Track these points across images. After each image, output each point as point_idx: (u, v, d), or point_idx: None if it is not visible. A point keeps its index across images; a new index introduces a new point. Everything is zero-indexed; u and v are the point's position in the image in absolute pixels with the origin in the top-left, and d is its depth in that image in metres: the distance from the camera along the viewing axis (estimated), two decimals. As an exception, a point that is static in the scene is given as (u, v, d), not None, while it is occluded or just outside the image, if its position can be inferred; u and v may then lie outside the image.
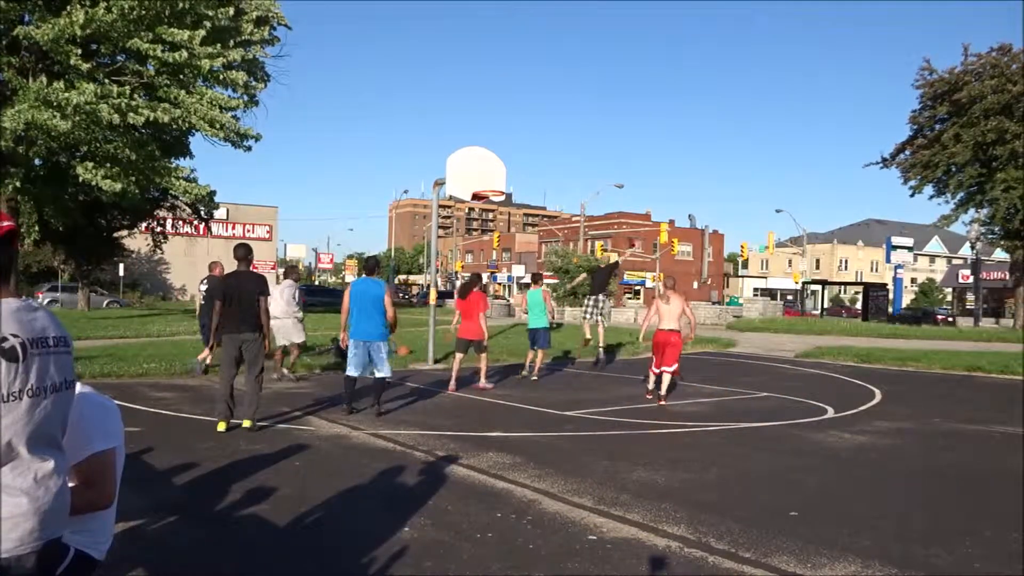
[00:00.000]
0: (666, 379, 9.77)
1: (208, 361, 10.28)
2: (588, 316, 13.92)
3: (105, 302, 40.48)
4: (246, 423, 7.33)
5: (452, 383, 10.50)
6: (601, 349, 14.17)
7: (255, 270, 7.86)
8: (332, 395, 9.90)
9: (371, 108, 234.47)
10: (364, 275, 8.86)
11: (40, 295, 39.23)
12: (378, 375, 8.43)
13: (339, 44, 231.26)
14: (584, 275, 14.31)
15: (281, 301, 11.12)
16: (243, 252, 7.49)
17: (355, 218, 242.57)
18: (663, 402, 9.64)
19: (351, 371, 8.47)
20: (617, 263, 17.10)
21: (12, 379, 1.73)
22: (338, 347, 13.64)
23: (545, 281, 13.31)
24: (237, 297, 7.37)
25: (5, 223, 1.89)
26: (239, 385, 7.46)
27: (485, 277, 76.63)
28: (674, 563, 3.98)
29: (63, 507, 1.87)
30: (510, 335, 19.41)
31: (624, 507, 4.96)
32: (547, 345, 12.15)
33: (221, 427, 7.24)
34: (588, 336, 14.06)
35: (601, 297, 13.83)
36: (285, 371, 11.38)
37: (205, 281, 11.70)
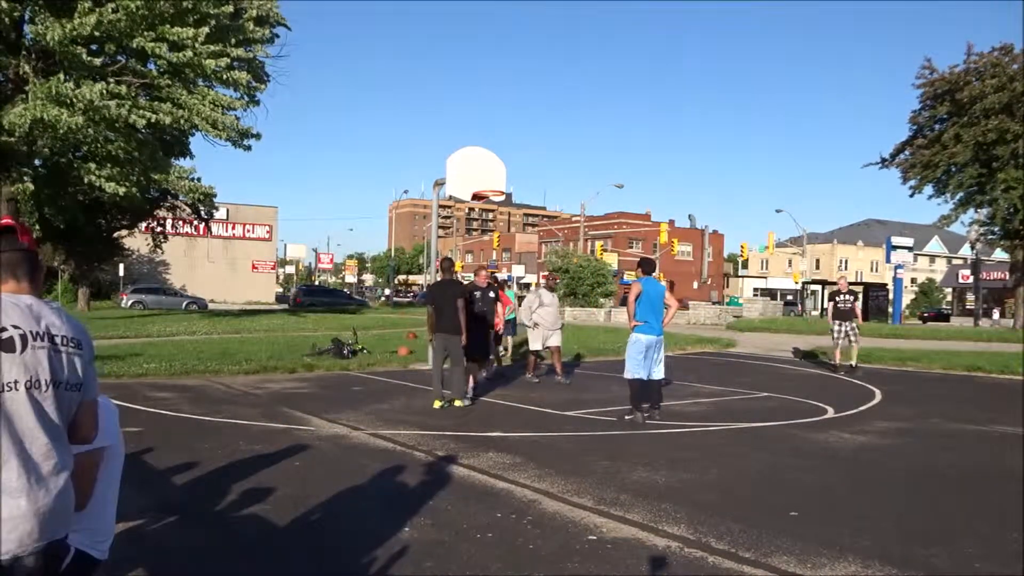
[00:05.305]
0: None
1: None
2: (837, 340, 14.11)
3: (184, 303, 40.01)
4: (458, 402, 8.88)
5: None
6: (851, 364, 14.01)
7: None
8: (332, 395, 9.90)
9: (371, 108, 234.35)
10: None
11: (124, 296, 39.40)
12: (657, 376, 8.43)
13: (339, 44, 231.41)
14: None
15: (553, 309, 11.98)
16: (448, 264, 9.58)
17: (355, 218, 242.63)
18: None
19: (643, 373, 8.27)
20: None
21: (9, 369, 1.73)
22: (338, 347, 13.68)
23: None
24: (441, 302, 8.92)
25: (4, 221, 1.90)
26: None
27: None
28: (674, 563, 3.98)
29: (65, 508, 1.86)
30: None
31: (624, 507, 4.96)
32: None
33: (436, 404, 8.78)
34: (839, 358, 14.18)
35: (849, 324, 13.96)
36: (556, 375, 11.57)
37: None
